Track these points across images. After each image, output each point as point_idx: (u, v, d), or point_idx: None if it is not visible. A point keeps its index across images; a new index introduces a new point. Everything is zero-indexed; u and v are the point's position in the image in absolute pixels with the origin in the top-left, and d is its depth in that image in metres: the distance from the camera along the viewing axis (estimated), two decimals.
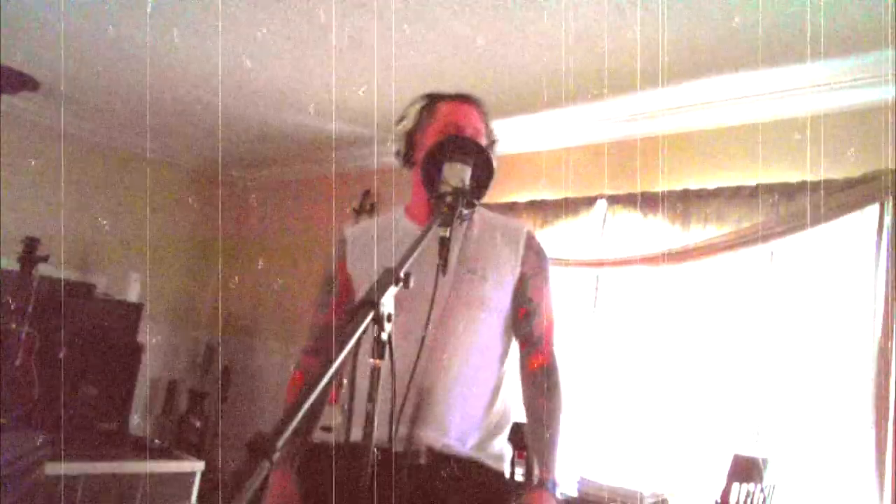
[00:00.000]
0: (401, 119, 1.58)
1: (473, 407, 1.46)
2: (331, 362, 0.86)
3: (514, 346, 1.58)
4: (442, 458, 1.39)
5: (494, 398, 1.50)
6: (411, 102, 1.59)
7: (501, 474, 1.50)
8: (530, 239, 1.58)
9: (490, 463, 1.47)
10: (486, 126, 1.57)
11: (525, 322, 1.54)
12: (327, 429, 1.47)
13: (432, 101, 1.58)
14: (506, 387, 1.54)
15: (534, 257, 1.56)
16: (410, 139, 1.56)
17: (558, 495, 1.44)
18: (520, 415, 1.59)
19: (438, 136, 1.51)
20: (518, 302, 1.53)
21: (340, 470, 1.37)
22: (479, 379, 1.48)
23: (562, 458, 1.47)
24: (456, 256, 1.47)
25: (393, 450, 1.31)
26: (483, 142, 1.52)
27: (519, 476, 2.46)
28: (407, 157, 1.57)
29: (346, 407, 1.45)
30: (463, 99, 1.58)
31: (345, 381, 1.50)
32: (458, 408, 1.43)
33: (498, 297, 1.50)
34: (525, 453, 2.51)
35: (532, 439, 1.51)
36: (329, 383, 0.84)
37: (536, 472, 1.47)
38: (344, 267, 1.58)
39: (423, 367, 1.38)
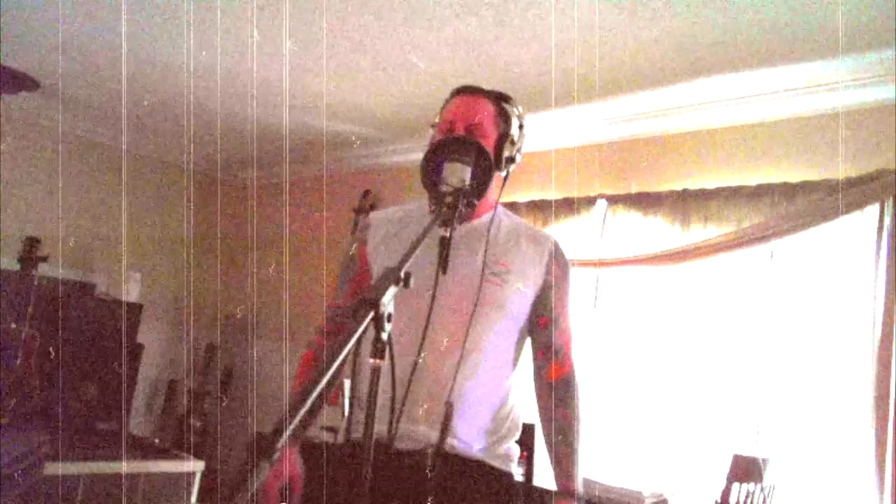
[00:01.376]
0: (434, 124, 1.56)
1: (484, 409, 1.45)
2: (332, 358, 0.86)
3: (525, 350, 1.58)
4: (450, 460, 1.38)
5: (506, 401, 1.50)
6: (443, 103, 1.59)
7: (510, 475, 1.50)
8: (557, 249, 1.56)
9: (498, 465, 1.46)
10: (499, 116, 1.53)
11: (545, 332, 1.53)
12: (330, 429, 1.47)
13: (450, 96, 1.57)
14: (516, 391, 1.54)
15: (558, 268, 1.54)
16: (433, 137, 1.55)
17: None
18: (527, 418, 1.59)
19: (438, 135, 1.50)
20: (539, 311, 1.52)
21: (341, 470, 1.37)
22: (492, 381, 1.47)
23: (582, 468, 1.47)
24: (481, 257, 1.46)
25: (392, 449, 1.31)
26: (490, 133, 1.50)
27: (519, 477, 2.46)
28: None
29: (346, 408, 1.45)
30: (462, 92, 1.55)
31: (346, 381, 1.50)
32: (469, 409, 1.42)
33: (519, 302, 1.49)
34: (526, 455, 2.51)
35: (552, 449, 1.51)
36: (327, 383, 0.84)
37: (559, 482, 1.46)
38: (364, 251, 1.57)
39: (436, 367, 1.38)
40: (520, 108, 1.56)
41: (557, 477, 1.48)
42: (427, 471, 1.36)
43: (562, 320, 1.54)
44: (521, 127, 1.55)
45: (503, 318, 1.47)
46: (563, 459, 1.47)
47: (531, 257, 1.52)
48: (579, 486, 1.45)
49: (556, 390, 1.52)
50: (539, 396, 1.55)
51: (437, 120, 1.56)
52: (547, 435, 1.53)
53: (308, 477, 1.44)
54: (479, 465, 1.43)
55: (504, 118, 1.53)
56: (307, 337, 1.64)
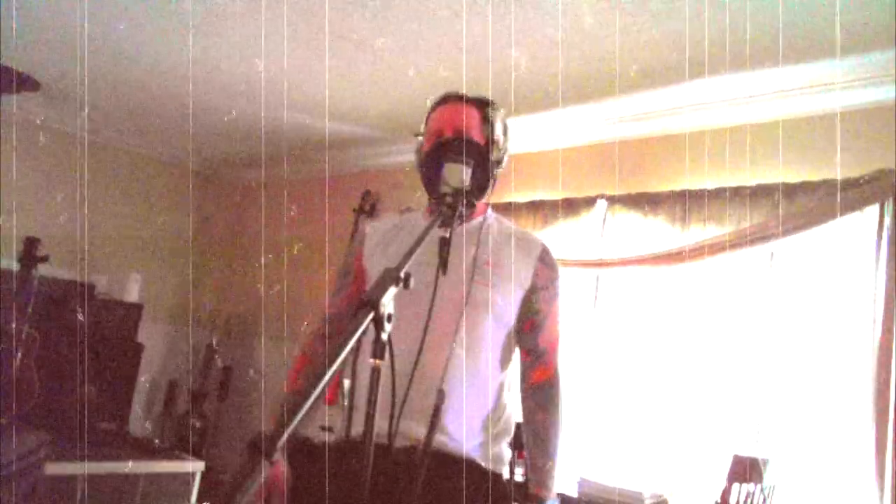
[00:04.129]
0: (418, 133, 1.59)
1: (475, 409, 1.46)
2: (331, 360, 0.86)
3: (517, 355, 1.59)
4: (440, 458, 1.39)
5: (497, 402, 1.50)
6: (427, 112, 1.61)
7: (499, 477, 1.50)
8: (545, 253, 1.58)
9: (488, 465, 1.47)
10: (485, 123, 1.55)
11: (531, 334, 1.54)
12: (328, 429, 1.48)
13: (435, 105, 1.59)
14: (509, 392, 1.54)
15: (546, 271, 1.56)
16: (421, 145, 1.58)
17: None
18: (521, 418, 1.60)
19: (430, 139, 1.53)
20: (525, 314, 1.53)
21: (340, 469, 1.38)
22: (483, 382, 1.48)
23: (559, 475, 1.48)
24: (471, 259, 1.47)
25: (392, 448, 1.31)
26: (477, 137, 1.51)
27: (519, 477, 2.46)
28: (419, 166, 1.57)
29: (346, 407, 1.45)
30: (447, 101, 1.58)
31: (345, 381, 1.50)
32: (460, 409, 1.42)
33: (504, 304, 1.50)
34: (524, 453, 2.51)
35: (531, 454, 1.52)
36: (327, 384, 0.84)
37: (533, 487, 1.47)
38: (360, 259, 1.60)
39: (428, 366, 1.38)
40: (502, 111, 1.57)
41: (532, 482, 1.49)
42: (417, 467, 1.36)
43: (547, 324, 1.55)
44: (505, 131, 1.56)
45: (488, 319, 1.48)
46: (538, 465, 1.49)
47: (519, 260, 1.53)
48: (551, 494, 1.45)
49: (537, 394, 1.53)
50: (523, 399, 1.57)
51: (423, 129, 1.58)
52: (526, 438, 1.54)
53: (306, 476, 1.44)
54: (468, 464, 1.43)
55: (489, 123, 1.55)
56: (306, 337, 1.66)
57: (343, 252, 1.70)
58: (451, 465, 1.40)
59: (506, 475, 1.54)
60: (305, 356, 1.61)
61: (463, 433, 1.44)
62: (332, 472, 1.38)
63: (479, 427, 1.46)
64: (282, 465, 1.42)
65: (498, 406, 1.51)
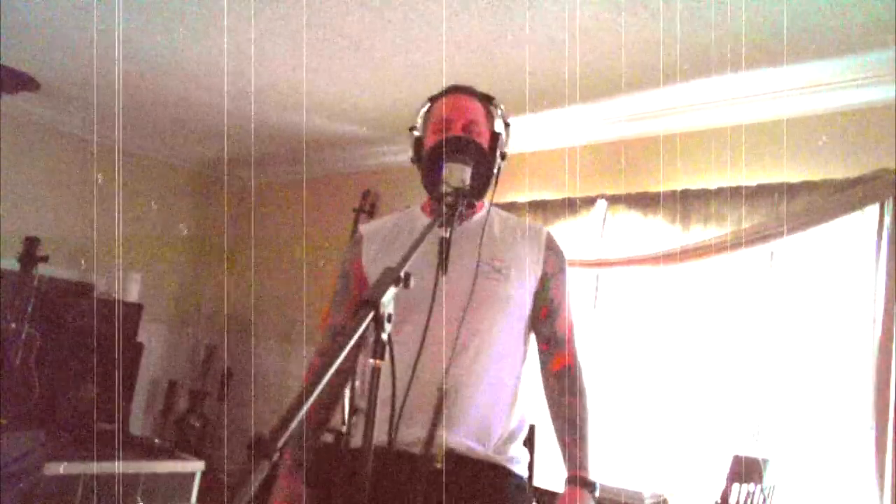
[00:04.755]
0: (413, 127, 1.56)
1: (494, 409, 1.44)
2: (332, 359, 0.86)
3: (532, 348, 1.57)
4: (462, 461, 1.38)
5: (515, 400, 1.49)
6: (421, 106, 1.58)
7: (521, 477, 1.49)
8: (550, 240, 1.57)
9: (511, 466, 1.45)
10: (489, 115, 1.54)
11: (547, 322, 1.53)
12: (331, 431, 1.47)
13: (433, 101, 1.57)
14: (524, 389, 1.53)
15: (554, 258, 1.55)
16: (419, 143, 1.54)
17: (597, 495, 1.43)
18: (534, 417, 1.58)
19: (433, 135, 1.49)
20: (539, 302, 1.52)
21: (342, 470, 1.37)
22: (501, 380, 1.46)
23: (594, 457, 1.46)
24: (476, 256, 1.46)
25: (394, 450, 1.30)
26: (483, 131, 1.50)
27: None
28: (418, 161, 1.53)
29: (349, 409, 1.45)
30: (455, 91, 1.55)
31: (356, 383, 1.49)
32: (480, 409, 1.41)
33: (520, 296, 1.49)
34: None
35: (561, 438, 1.50)
36: (327, 385, 0.84)
37: (569, 470, 1.46)
38: (360, 265, 1.56)
39: (430, 366, 1.37)
40: (502, 108, 1.56)
41: (567, 466, 1.47)
42: (432, 468, 1.35)
43: (562, 309, 1.54)
44: (506, 126, 1.55)
45: (506, 313, 1.47)
46: (572, 447, 1.46)
47: (527, 250, 1.52)
48: (590, 475, 1.44)
49: (561, 380, 1.51)
50: (546, 388, 1.54)
51: (417, 123, 1.55)
52: (556, 426, 1.52)
53: (310, 479, 1.44)
54: (492, 466, 1.42)
55: (492, 117, 1.54)
56: (306, 337, 1.64)
57: (342, 255, 1.67)
58: (462, 464, 1.38)
59: (525, 476, 1.52)
60: (312, 367, 1.59)
61: (481, 434, 1.42)
62: (334, 475, 1.37)
63: (497, 427, 1.44)
64: (298, 482, 1.42)
65: (516, 403, 1.49)
